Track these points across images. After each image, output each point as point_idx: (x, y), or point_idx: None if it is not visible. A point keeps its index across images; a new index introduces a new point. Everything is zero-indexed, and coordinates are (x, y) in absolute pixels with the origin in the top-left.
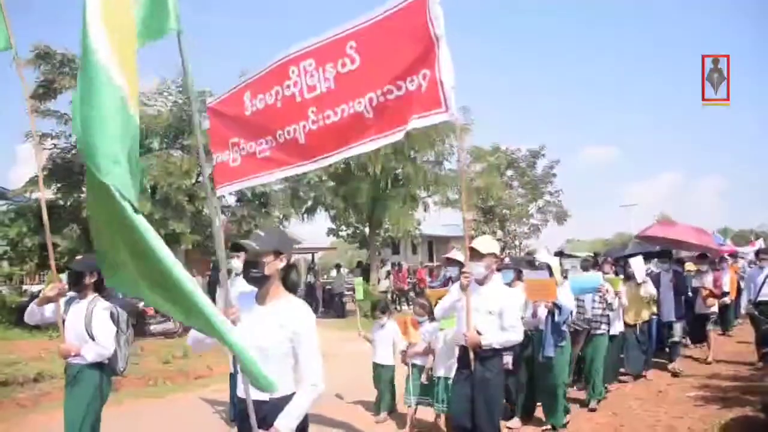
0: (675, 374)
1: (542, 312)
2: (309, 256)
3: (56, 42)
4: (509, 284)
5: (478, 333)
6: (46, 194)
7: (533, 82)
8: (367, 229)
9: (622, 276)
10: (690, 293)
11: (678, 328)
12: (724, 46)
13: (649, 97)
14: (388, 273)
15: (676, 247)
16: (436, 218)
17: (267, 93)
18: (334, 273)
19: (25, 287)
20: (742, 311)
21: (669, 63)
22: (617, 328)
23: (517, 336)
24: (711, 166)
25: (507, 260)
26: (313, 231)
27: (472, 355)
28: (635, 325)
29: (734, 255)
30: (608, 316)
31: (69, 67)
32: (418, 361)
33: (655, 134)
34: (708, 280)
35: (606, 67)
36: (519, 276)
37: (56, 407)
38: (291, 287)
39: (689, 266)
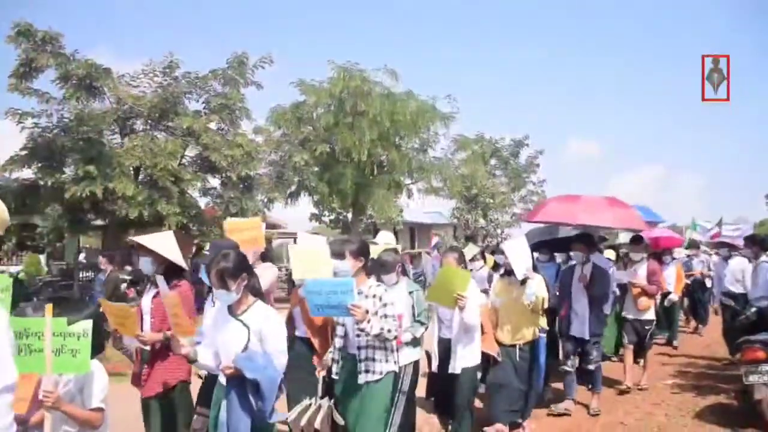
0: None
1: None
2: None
3: (39, 20)
4: None
5: None
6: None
7: (520, 73)
8: (350, 215)
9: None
10: (617, 291)
11: (594, 351)
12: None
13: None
14: None
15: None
16: (419, 205)
17: None
18: None
19: (2, 268)
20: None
21: (658, 57)
22: (468, 359)
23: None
24: (693, 159)
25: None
26: (295, 216)
27: None
28: (514, 346)
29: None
30: (391, 347)
31: (51, 45)
32: None
33: (640, 128)
34: (641, 272)
35: (593, 61)
36: None
37: None
38: None
39: (636, 256)
